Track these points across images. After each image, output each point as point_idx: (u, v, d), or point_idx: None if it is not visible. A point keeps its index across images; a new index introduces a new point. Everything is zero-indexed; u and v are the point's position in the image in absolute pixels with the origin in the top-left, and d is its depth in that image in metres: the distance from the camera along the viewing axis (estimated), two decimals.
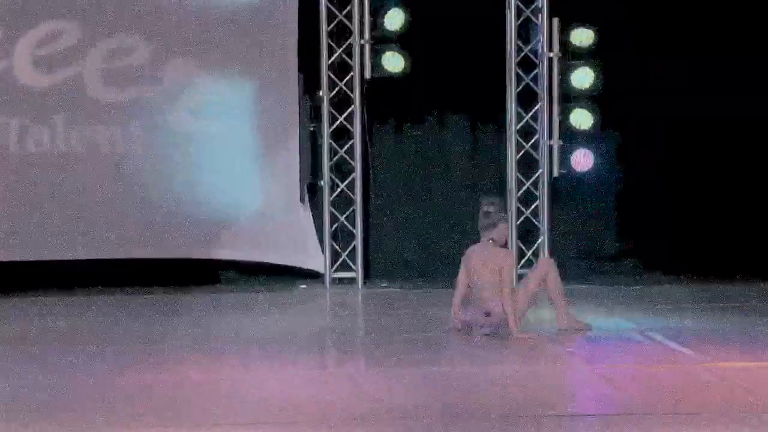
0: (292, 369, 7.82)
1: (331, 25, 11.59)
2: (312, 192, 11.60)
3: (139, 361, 8.04)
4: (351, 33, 11.59)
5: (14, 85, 11.17)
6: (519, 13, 11.71)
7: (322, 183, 11.58)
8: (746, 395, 6.85)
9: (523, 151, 11.79)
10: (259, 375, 7.64)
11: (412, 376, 7.50)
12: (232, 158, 11.40)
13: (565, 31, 11.64)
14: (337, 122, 11.61)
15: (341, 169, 11.69)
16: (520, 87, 11.71)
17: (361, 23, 11.53)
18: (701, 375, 7.40)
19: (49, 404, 6.81)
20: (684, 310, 9.95)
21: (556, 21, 11.62)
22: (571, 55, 11.69)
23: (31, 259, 11.24)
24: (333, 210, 11.65)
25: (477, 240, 8.83)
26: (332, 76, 11.61)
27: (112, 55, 11.29)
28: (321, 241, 11.59)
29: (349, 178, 11.65)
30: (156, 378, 7.48)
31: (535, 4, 11.75)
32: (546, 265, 9.00)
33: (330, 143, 11.62)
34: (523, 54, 11.74)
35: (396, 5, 11.68)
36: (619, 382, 7.25)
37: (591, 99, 11.67)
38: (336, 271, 11.60)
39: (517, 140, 11.76)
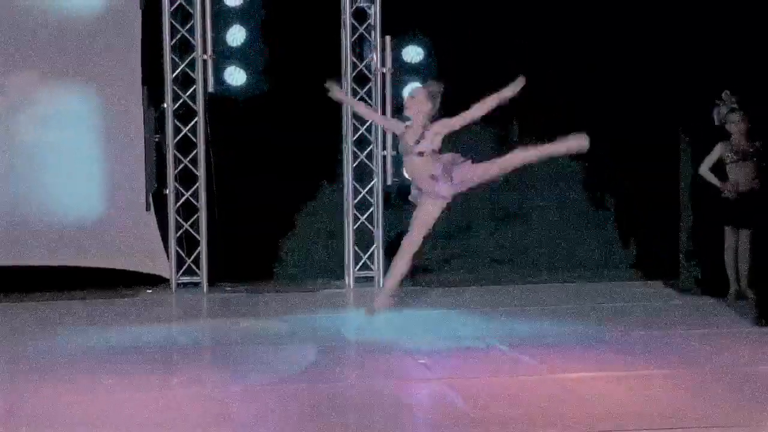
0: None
1: (174, 40, 11.28)
2: (157, 200, 11.38)
3: None
4: (193, 48, 11.57)
5: None
6: (354, 30, 11.70)
7: (167, 191, 11.34)
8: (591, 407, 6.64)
9: (358, 161, 11.93)
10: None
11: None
12: (77, 167, 10.96)
13: (396, 48, 11.84)
14: (182, 133, 11.28)
15: (186, 178, 11.45)
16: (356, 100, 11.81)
17: (204, 39, 11.40)
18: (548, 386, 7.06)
19: None
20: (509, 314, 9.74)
21: (388, 38, 11.71)
22: (403, 71, 11.91)
23: None
24: (178, 217, 11.35)
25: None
26: (176, 89, 11.29)
27: None
28: (166, 247, 11.35)
29: (194, 187, 11.40)
30: None
31: (368, 21, 11.83)
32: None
33: (175, 153, 11.36)
34: (358, 69, 11.79)
35: (237, 23, 11.67)
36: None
37: None
38: (182, 275, 11.46)
39: (353, 150, 11.84)
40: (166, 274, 11.35)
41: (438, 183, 8.63)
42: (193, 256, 11.45)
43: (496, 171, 8.82)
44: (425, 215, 8.80)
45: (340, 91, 9.50)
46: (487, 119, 10.69)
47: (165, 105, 11.33)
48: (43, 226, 10.98)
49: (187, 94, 11.43)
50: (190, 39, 11.40)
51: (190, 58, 11.41)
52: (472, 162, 8.75)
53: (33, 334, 9.06)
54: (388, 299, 9.02)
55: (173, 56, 11.38)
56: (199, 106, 11.36)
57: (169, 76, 11.33)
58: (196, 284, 11.37)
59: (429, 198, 8.75)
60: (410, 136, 8.75)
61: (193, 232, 11.44)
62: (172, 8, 11.38)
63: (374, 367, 7.78)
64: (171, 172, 11.39)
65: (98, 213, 11.16)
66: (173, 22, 11.38)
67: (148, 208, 11.27)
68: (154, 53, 11.28)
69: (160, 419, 6.34)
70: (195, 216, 11.47)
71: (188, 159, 11.47)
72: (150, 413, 6.47)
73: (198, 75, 11.36)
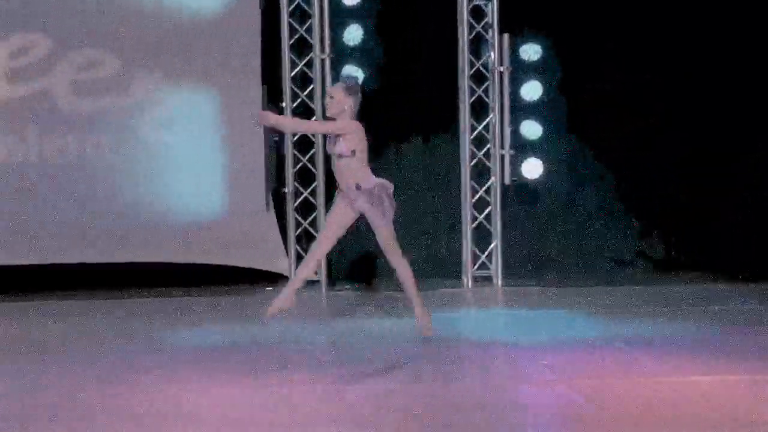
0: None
1: (293, 39, 11.30)
2: (276, 199, 11.43)
3: (105, 373, 7.40)
4: (312, 47, 11.58)
5: None
6: (471, 28, 11.56)
7: (286, 190, 11.42)
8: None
9: (475, 159, 11.77)
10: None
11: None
12: (199, 167, 11.02)
13: (514, 46, 11.65)
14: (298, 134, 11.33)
15: (304, 177, 11.48)
16: (473, 99, 11.59)
17: (321, 38, 11.43)
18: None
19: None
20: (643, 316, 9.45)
21: (506, 36, 11.60)
22: (521, 69, 11.75)
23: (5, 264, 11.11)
24: (297, 216, 11.39)
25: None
26: (294, 88, 11.33)
27: (81, 67, 11.03)
28: (286, 245, 11.35)
29: (312, 186, 11.40)
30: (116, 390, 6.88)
31: (486, 19, 11.69)
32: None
33: (293, 152, 11.41)
34: (475, 68, 11.53)
35: (355, 22, 11.61)
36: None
37: (539, 110, 11.69)
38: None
39: (471, 150, 11.76)
40: (285, 272, 11.35)
41: (359, 197, 8.09)
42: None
43: (385, 242, 8.26)
44: (337, 218, 8.26)
45: (273, 116, 8.59)
46: (586, 121, 10.70)
47: (283, 104, 11.33)
48: (165, 225, 11.07)
49: (305, 93, 11.42)
50: (308, 38, 11.39)
51: (308, 57, 11.40)
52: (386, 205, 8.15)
53: (168, 328, 9.27)
54: (290, 300, 8.26)
55: (292, 55, 11.38)
56: (317, 105, 11.35)
57: (287, 76, 11.34)
58: (316, 282, 11.35)
59: (345, 200, 8.21)
60: (330, 140, 8.25)
61: (311, 230, 11.43)
62: (291, 8, 11.40)
63: (497, 368, 7.65)
64: (290, 171, 11.40)
65: (219, 211, 11.21)
66: (292, 21, 11.39)
67: (267, 207, 11.29)
68: (272, 53, 11.30)
69: (277, 416, 6.30)
70: (313, 214, 11.47)
71: (306, 158, 11.47)
72: (267, 411, 6.43)
73: (316, 74, 11.34)
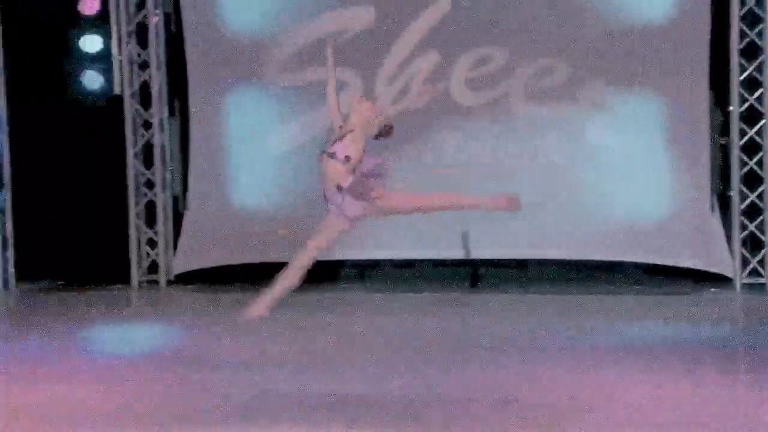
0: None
1: (743, 43, 11.21)
2: (721, 201, 11.33)
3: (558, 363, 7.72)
4: (762, 51, 11.32)
5: (451, 103, 11.57)
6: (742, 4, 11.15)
7: (731, 193, 11.34)
8: None
9: (747, 168, 11.27)
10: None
11: None
12: (643, 169, 11.21)
13: None
14: (747, 136, 11.19)
15: (750, 180, 11.30)
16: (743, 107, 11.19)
17: None
18: None
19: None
20: None
21: None
22: None
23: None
24: (743, 219, 11.27)
25: None
26: (742, 92, 11.22)
27: (534, 76, 11.44)
28: (730, 248, 11.22)
29: (759, 189, 11.23)
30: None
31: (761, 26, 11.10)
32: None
33: (740, 155, 11.31)
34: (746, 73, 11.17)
35: None
36: None
37: None
38: (746, 276, 11.26)
39: (740, 157, 11.24)
40: (730, 275, 11.29)
41: (344, 199, 7.40)
42: (757, 258, 11.31)
43: (413, 207, 7.66)
44: (327, 228, 7.54)
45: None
46: None
47: (731, 108, 11.28)
48: (608, 224, 11.34)
49: (754, 96, 11.29)
50: (758, 42, 11.26)
51: (758, 61, 11.26)
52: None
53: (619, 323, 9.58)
54: (264, 308, 7.69)
55: (741, 60, 11.30)
56: (766, 109, 11.19)
57: (736, 80, 11.26)
58: (762, 285, 11.20)
59: (333, 212, 7.50)
60: (335, 133, 7.61)
61: (758, 234, 11.30)
62: (742, 12, 11.30)
63: None
64: (736, 174, 11.32)
65: (663, 213, 11.32)
66: (742, 26, 11.30)
67: (712, 209, 11.29)
68: (720, 57, 11.26)
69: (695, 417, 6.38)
70: (760, 218, 11.32)
71: (754, 161, 11.34)
72: (681, 410, 6.52)
73: (766, 78, 11.20)
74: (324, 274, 11.28)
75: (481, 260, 11.69)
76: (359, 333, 9.24)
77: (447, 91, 11.50)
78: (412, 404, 6.65)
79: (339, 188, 7.38)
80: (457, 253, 11.44)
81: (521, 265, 11.97)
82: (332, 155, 7.41)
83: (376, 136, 7.68)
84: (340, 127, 7.62)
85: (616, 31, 11.29)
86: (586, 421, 6.27)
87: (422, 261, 11.99)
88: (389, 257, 11.99)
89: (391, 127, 7.72)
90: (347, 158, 7.38)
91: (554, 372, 7.45)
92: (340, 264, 11.98)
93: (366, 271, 12.25)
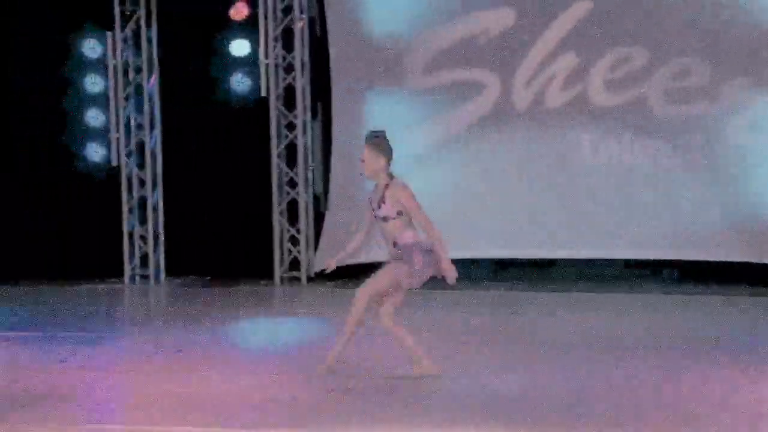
0: None
1: None
2: None
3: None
4: None
5: (587, 105, 11.62)
6: None
7: None
8: None
9: None
10: None
11: None
12: None
13: None
14: None
15: None
16: None
17: None
18: None
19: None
20: None
21: None
22: None
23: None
24: None
25: None
26: None
27: (674, 76, 11.42)
28: None
29: None
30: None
31: None
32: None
33: None
34: None
35: None
36: None
37: None
38: None
39: None
40: None
41: (413, 257, 7.21)
42: None
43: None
44: (389, 275, 7.29)
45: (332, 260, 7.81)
46: None
47: None
48: (745, 225, 11.28)
49: None
50: None
51: None
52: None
53: None
54: (332, 359, 7.46)
55: None
56: None
57: None
58: None
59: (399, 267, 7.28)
60: (374, 200, 7.42)
61: None
62: None
63: None
64: None
65: None
66: None
67: None
68: None
69: None
70: None
71: None
72: None
73: None
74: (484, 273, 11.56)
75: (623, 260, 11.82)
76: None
77: (584, 92, 11.54)
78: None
79: (395, 244, 7.34)
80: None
81: (659, 264, 11.94)
82: (385, 219, 7.35)
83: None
84: (372, 193, 7.51)
85: (754, 33, 11.19)
86: None
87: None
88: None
89: (382, 140, 7.53)
90: (399, 213, 7.33)
91: None
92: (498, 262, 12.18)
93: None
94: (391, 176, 7.39)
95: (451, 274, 7.18)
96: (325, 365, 7.45)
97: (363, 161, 7.41)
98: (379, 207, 7.34)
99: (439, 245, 7.21)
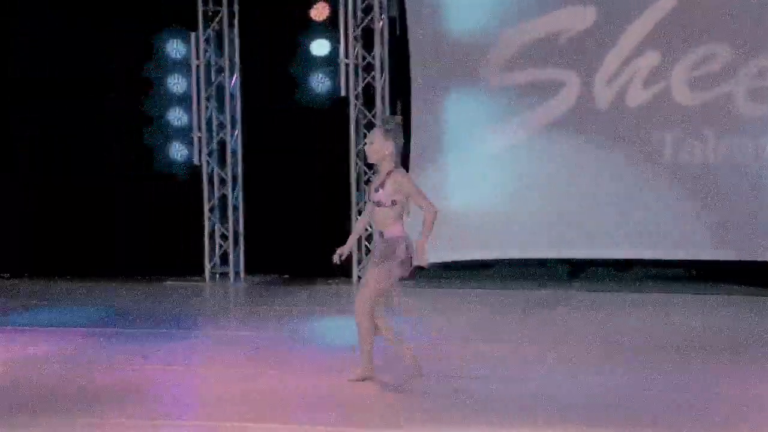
0: None
1: None
2: None
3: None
4: None
5: (670, 103, 11.48)
6: None
7: None
8: None
9: None
10: None
11: None
12: None
13: None
14: None
15: None
16: None
17: None
18: None
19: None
20: None
21: None
22: None
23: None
24: None
25: None
26: None
27: (760, 73, 11.27)
28: None
29: None
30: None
31: None
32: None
33: None
34: None
35: None
36: None
37: None
38: None
39: None
40: None
41: (396, 250, 7.23)
42: None
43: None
44: (380, 274, 7.31)
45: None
46: None
47: None
48: None
49: None
50: None
51: None
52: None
53: None
54: (364, 368, 7.50)
55: None
56: None
57: None
58: None
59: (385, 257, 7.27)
60: (374, 184, 7.41)
61: None
62: None
63: None
64: None
65: None
66: None
67: None
68: None
69: None
70: None
71: None
72: None
73: None
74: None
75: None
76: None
77: (667, 90, 11.41)
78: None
79: (381, 235, 7.39)
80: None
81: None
82: (378, 204, 7.35)
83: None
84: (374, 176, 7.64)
85: None
86: None
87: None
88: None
89: (395, 127, 7.49)
90: (393, 202, 7.33)
91: None
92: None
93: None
94: (396, 164, 7.37)
95: (423, 256, 7.18)
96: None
97: (372, 144, 7.38)
98: (377, 191, 7.34)
99: (429, 225, 7.21)
